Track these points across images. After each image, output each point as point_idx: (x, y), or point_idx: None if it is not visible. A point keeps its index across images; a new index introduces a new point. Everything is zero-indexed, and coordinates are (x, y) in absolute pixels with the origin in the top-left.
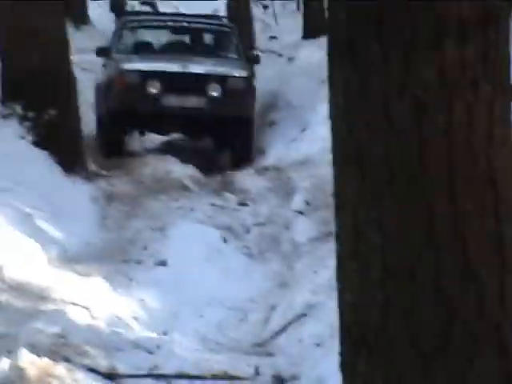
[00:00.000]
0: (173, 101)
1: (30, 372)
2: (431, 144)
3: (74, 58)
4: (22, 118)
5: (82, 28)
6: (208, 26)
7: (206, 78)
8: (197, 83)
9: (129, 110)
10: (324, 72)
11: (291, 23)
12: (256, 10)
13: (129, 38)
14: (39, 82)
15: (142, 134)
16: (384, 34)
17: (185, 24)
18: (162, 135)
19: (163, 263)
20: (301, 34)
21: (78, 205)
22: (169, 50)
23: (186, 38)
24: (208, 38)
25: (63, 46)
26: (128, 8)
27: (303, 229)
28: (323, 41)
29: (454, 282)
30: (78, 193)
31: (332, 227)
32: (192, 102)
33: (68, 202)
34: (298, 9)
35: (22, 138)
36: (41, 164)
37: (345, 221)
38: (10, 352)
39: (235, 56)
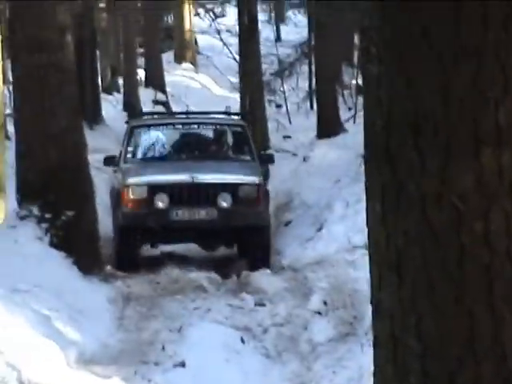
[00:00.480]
0: (182, 214)
1: None
2: (470, 251)
3: (89, 157)
4: (39, 219)
5: (96, 127)
6: (219, 126)
7: (216, 187)
8: (206, 194)
9: (137, 227)
10: (339, 171)
11: (305, 122)
12: (270, 110)
13: (135, 144)
14: (56, 184)
15: (153, 246)
16: (421, 142)
17: (195, 126)
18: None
19: (182, 364)
20: (315, 134)
21: (96, 306)
22: (177, 156)
23: (196, 141)
24: (219, 139)
25: (80, 147)
26: (142, 106)
27: (321, 329)
28: (337, 140)
29: None
30: (95, 294)
31: (350, 327)
32: (202, 214)
33: (85, 303)
34: (312, 108)
35: (40, 239)
36: (58, 265)
37: (382, 327)
38: None
39: (248, 157)
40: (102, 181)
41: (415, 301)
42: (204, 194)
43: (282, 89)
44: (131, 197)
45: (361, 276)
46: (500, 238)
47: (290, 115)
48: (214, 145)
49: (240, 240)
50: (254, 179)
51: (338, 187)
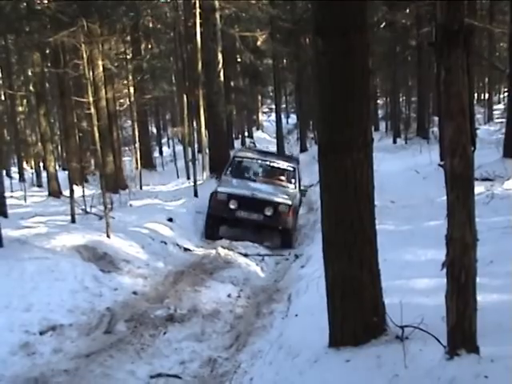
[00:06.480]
0: (243, 214)
1: None
2: None
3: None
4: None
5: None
6: (282, 165)
7: (266, 203)
8: (259, 205)
9: (217, 216)
10: None
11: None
12: None
13: (232, 167)
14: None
15: (229, 226)
16: None
17: (267, 161)
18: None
19: None
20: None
21: None
22: (251, 178)
23: (266, 170)
24: (280, 172)
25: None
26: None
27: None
28: None
29: None
30: None
31: None
32: (254, 216)
33: None
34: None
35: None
36: None
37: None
38: None
39: (292, 189)
40: None
41: None
42: (257, 205)
43: None
44: (218, 198)
45: None
46: None
47: None
48: (275, 175)
49: (276, 234)
50: (288, 201)
51: None
